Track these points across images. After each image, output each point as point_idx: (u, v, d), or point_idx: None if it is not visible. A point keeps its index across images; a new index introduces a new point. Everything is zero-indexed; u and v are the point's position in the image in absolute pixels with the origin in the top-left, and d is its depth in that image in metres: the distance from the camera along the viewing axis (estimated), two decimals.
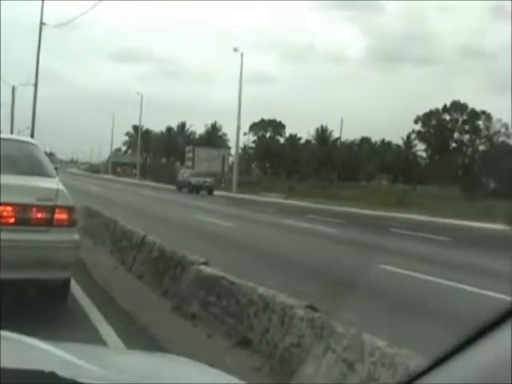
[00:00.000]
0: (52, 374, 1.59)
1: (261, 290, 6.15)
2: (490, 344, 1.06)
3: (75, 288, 8.54)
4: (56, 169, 8.81)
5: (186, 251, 8.73)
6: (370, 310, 9.30)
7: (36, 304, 7.25)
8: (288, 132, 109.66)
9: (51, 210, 7.05)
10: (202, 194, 57.08)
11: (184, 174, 66.63)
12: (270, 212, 34.93)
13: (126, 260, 10.59)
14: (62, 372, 1.64)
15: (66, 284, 7.57)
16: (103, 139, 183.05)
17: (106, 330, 6.83)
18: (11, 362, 1.73)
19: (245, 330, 6.07)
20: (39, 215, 7.03)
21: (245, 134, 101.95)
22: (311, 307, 5.37)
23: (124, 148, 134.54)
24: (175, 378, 2.30)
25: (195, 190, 59.56)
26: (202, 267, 7.59)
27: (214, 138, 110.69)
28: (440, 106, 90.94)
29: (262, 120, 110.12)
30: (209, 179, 62.90)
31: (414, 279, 12.96)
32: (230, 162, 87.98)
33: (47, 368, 1.62)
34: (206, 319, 6.85)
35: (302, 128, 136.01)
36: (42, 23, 49.65)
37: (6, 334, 2.30)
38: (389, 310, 9.85)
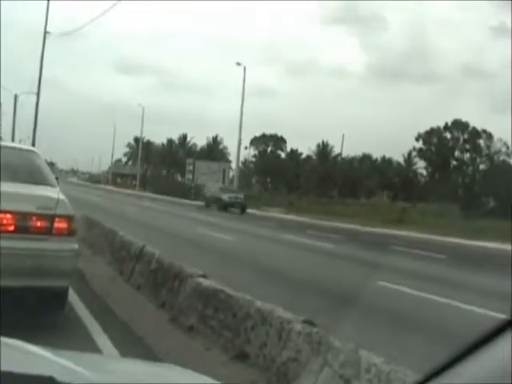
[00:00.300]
0: (50, 379, 1.60)
1: (258, 303, 6.15)
2: (490, 353, 1.06)
3: (73, 297, 8.54)
4: (57, 178, 8.82)
5: (184, 263, 8.74)
6: (367, 326, 9.30)
7: (34, 312, 7.24)
8: (289, 147, 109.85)
9: (51, 218, 7.06)
10: (230, 212, 52.46)
11: (212, 188, 61.28)
12: (270, 226, 34.93)
13: (124, 270, 10.58)
14: (60, 377, 1.65)
15: (64, 292, 7.58)
16: (104, 149, 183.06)
17: (102, 340, 6.83)
18: (10, 366, 1.74)
19: (242, 344, 6.06)
20: (39, 224, 7.04)
21: (246, 148, 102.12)
22: (309, 322, 5.37)
23: (125, 159, 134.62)
24: None
25: (225, 207, 53.29)
26: (201, 280, 7.59)
27: (214, 151, 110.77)
28: (441, 124, 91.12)
29: (264, 134, 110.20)
30: (240, 195, 57.13)
31: (410, 296, 12.96)
32: (230, 176, 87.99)
33: (45, 373, 1.62)
34: (204, 332, 6.84)
35: (302, 143, 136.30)
36: (46, 32, 49.81)
37: (5, 340, 2.31)
38: (385, 326, 9.84)
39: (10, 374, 1.63)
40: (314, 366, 4.72)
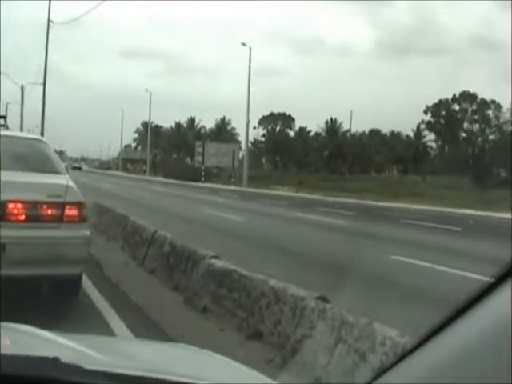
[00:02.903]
0: (55, 360, 1.60)
1: (272, 282, 6.15)
2: (491, 304, 1.05)
3: (87, 284, 8.57)
4: (67, 168, 8.83)
5: (196, 245, 8.74)
6: (382, 300, 9.29)
7: (48, 300, 7.27)
8: (297, 125, 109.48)
9: (61, 206, 7.07)
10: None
11: None
12: (282, 205, 34.93)
13: (137, 255, 10.61)
14: (67, 359, 1.64)
15: (77, 279, 7.61)
16: (113, 136, 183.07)
17: (117, 324, 6.85)
18: (16, 349, 1.74)
19: (256, 323, 6.07)
20: (49, 212, 7.05)
21: (254, 127, 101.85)
22: (322, 298, 5.36)
23: (134, 144, 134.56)
24: (184, 366, 2.31)
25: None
26: (213, 261, 7.60)
27: (223, 132, 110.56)
28: (449, 97, 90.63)
29: (272, 114, 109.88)
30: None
31: (424, 269, 12.92)
32: (240, 157, 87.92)
33: (51, 355, 1.62)
34: (218, 312, 6.86)
35: (311, 121, 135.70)
36: (49, 21, 49.77)
37: (13, 325, 2.31)
38: (400, 299, 9.82)
39: (14, 357, 1.62)
40: (328, 341, 4.73)
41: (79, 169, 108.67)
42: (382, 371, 1.29)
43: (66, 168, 8.74)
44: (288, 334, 5.44)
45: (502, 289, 1.06)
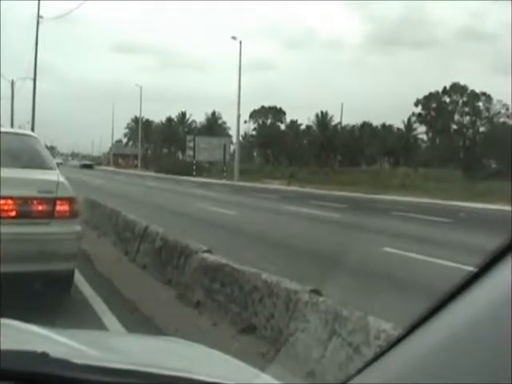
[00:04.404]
0: (44, 355, 1.59)
1: (264, 275, 6.14)
2: (490, 282, 1.04)
3: (79, 280, 8.54)
4: (60, 164, 8.79)
5: (188, 240, 8.73)
6: (374, 293, 9.29)
7: (40, 296, 7.24)
8: (288, 118, 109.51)
9: (52, 202, 7.04)
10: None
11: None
12: (273, 199, 34.93)
13: (129, 250, 10.59)
14: (56, 353, 1.63)
15: (69, 275, 7.58)
16: (104, 132, 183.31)
17: (110, 320, 6.83)
18: (5, 344, 1.72)
19: (249, 317, 6.06)
20: (40, 208, 7.02)
21: (245, 121, 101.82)
22: (315, 291, 5.35)
23: (125, 140, 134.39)
24: (175, 360, 2.30)
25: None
26: (206, 255, 7.59)
27: (214, 126, 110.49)
28: (440, 89, 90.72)
29: (263, 107, 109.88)
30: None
31: (416, 261, 12.93)
32: (231, 151, 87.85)
33: (40, 349, 1.61)
34: (211, 307, 6.84)
35: (302, 114, 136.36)
36: (39, 16, 49.68)
37: (4, 320, 2.29)
38: (392, 292, 9.83)
39: (3, 352, 1.61)
40: (322, 335, 4.72)
41: (90, 167, 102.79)
42: (357, 371, 1.26)
43: (58, 164, 8.70)
44: (281, 327, 5.43)
45: (502, 266, 1.04)
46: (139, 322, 6.78)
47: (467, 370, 0.99)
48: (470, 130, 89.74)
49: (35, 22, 49.56)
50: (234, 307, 6.39)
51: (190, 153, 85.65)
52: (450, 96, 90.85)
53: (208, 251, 7.77)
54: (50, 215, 7.04)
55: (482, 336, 1.00)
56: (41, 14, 49.92)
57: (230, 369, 2.27)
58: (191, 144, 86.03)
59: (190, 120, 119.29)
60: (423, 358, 1.08)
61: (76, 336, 2.32)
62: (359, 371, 1.24)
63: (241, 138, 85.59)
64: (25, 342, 1.98)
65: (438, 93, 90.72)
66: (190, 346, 2.69)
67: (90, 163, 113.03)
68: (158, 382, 1.67)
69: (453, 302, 1.10)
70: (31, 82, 50.41)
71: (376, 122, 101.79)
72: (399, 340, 1.18)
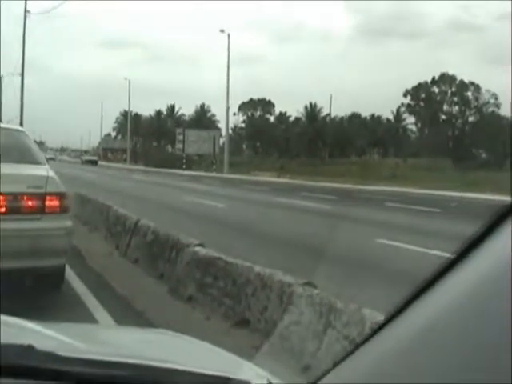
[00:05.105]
0: (29, 348, 1.58)
1: (257, 268, 6.10)
2: (491, 245, 1.00)
3: (70, 275, 8.48)
4: (52, 159, 8.72)
5: (180, 233, 8.68)
6: (369, 285, 9.27)
7: (31, 293, 7.18)
8: (277, 111, 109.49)
9: (42, 197, 6.98)
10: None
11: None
12: (263, 191, 34.92)
13: (120, 245, 10.53)
14: (42, 346, 1.62)
15: (60, 271, 7.52)
16: (93, 126, 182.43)
17: (102, 315, 6.78)
18: None
19: (243, 310, 6.03)
20: (30, 203, 6.96)
21: (234, 114, 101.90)
22: (310, 284, 5.32)
23: (114, 134, 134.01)
24: (163, 351, 2.28)
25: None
26: (198, 249, 7.54)
27: (203, 119, 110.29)
28: (429, 79, 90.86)
29: (251, 99, 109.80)
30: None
31: (408, 252, 12.91)
32: (220, 143, 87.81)
33: (26, 342, 1.60)
34: (204, 301, 6.80)
35: (291, 106, 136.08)
36: (26, 11, 49.62)
37: None
38: (387, 283, 9.81)
39: None
40: (317, 328, 4.68)
41: (95, 163, 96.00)
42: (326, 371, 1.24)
43: (48, 160, 8.63)
44: (275, 320, 5.39)
45: (502, 230, 1.00)
46: (131, 317, 6.73)
47: (469, 345, 0.95)
48: (459, 120, 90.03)
49: (22, 17, 49.52)
50: (227, 301, 6.35)
51: (180, 146, 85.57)
52: (438, 86, 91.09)
53: (200, 245, 7.72)
54: (40, 211, 6.98)
55: (484, 305, 0.95)
56: (28, 8, 49.86)
57: (220, 360, 2.26)
58: (180, 137, 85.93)
59: (179, 113, 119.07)
60: (418, 334, 1.03)
61: (64, 329, 2.30)
62: (336, 364, 1.21)
63: (230, 131, 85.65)
64: (11, 336, 1.95)
65: (426, 83, 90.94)
66: (180, 338, 2.67)
67: (94, 159, 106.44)
68: (144, 373, 1.65)
69: (451, 272, 1.06)
70: (19, 78, 50.39)
71: (365, 113, 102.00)
72: (384, 325, 1.15)
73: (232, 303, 6.25)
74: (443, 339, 0.98)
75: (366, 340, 1.16)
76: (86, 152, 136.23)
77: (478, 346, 0.92)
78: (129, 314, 6.89)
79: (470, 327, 0.95)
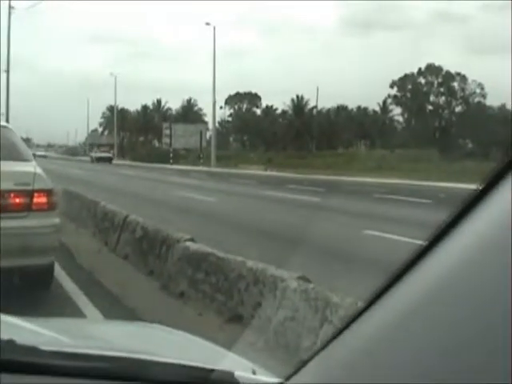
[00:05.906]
0: (10, 342, 1.58)
1: (250, 263, 6.04)
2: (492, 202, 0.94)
3: (59, 273, 8.39)
4: (43, 157, 8.64)
5: (170, 228, 8.61)
6: (360, 277, 9.22)
7: (19, 291, 7.09)
8: (264, 104, 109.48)
9: (29, 194, 6.90)
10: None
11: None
12: (251, 184, 34.90)
13: (109, 241, 10.45)
14: (25, 341, 1.63)
15: (49, 269, 7.43)
16: (79, 122, 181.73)
17: (92, 313, 6.70)
18: None
19: (235, 306, 5.97)
20: (17, 200, 6.87)
21: (221, 107, 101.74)
22: (304, 278, 5.25)
23: (100, 129, 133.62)
24: (149, 344, 2.30)
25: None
26: (188, 244, 7.46)
27: (190, 113, 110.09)
28: (415, 70, 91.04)
29: (238, 93, 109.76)
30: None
31: (396, 243, 12.86)
32: (207, 137, 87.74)
33: (7, 337, 1.61)
34: (196, 297, 6.74)
35: (278, 99, 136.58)
36: (10, 6, 49.62)
37: None
38: (377, 275, 9.75)
39: None
40: (312, 323, 4.62)
41: (109, 160, 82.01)
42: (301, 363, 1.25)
43: (35, 157, 8.54)
44: (269, 316, 5.32)
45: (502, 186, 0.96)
46: (122, 314, 6.65)
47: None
48: (446, 111, 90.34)
49: (7, 14, 49.52)
50: (219, 296, 6.29)
51: (167, 140, 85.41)
52: (425, 77, 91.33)
53: (191, 240, 7.65)
54: (27, 208, 6.90)
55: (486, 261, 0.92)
56: (12, 4, 49.88)
57: (204, 352, 2.28)
58: (167, 131, 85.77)
59: (166, 108, 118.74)
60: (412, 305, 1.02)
61: (52, 324, 2.33)
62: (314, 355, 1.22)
63: (217, 125, 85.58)
64: None
65: (413, 74, 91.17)
66: (169, 332, 2.68)
67: (108, 155, 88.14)
68: (126, 366, 1.65)
69: (449, 233, 1.04)
70: (4, 74, 50.34)
71: (351, 104, 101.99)
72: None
73: (224, 299, 6.19)
74: (423, 323, 0.96)
75: (347, 325, 1.15)
76: (98, 146, 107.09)
77: (456, 328, 0.89)
78: (120, 311, 6.82)
79: (451, 308, 0.93)
